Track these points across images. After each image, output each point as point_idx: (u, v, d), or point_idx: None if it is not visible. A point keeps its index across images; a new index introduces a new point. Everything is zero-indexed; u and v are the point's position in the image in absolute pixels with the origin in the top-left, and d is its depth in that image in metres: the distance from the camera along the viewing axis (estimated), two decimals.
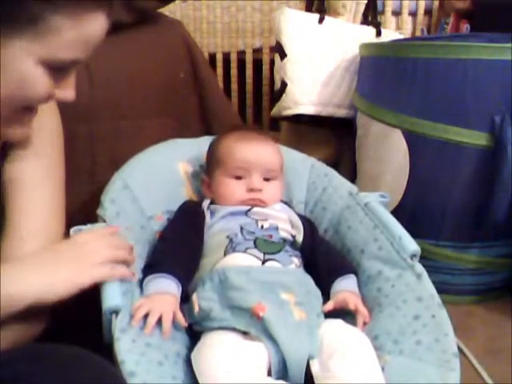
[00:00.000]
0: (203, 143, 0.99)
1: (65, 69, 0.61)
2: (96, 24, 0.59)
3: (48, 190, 0.71)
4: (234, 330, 0.67)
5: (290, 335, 0.66)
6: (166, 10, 1.31)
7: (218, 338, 0.66)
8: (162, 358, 0.63)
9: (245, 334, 0.67)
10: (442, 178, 1.18)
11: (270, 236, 0.81)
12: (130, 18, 1.05)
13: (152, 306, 0.66)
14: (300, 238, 0.85)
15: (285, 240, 0.83)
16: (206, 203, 0.88)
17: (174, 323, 0.68)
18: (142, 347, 0.62)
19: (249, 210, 0.85)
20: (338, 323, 0.72)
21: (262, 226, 0.82)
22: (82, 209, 0.94)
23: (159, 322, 0.65)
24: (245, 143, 0.89)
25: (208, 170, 0.94)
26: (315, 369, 0.65)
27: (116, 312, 0.64)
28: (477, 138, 1.11)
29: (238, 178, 0.87)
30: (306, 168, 1.04)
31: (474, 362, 1.04)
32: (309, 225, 0.90)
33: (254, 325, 0.67)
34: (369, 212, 0.88)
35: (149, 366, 0.60)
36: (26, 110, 0.63)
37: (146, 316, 0.65)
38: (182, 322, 0.69)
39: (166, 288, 0.70)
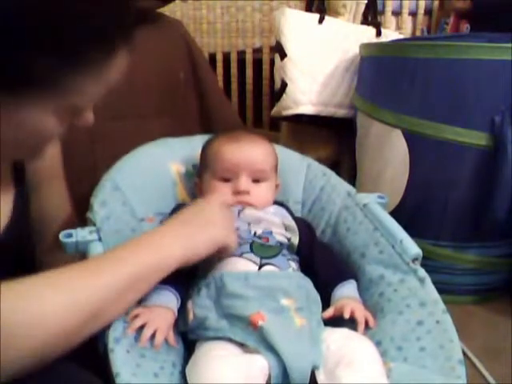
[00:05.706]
0: (195, 142, 0.97)
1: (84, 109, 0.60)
2: (118, 66, 0.57)
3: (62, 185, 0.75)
4: (230, 340, 0.64)
5: (292, 344, 0.62)
6: (166, 10, 1.31)
7: (213, 351, 0.63)
8: (158, 369, 0.61)
9: (242, 345, 0.64)
10: (442, 178, 1.18)
11: (267, 239, 0.79)
12: None
13: (149, 319, 0.63)
14: (296, 241, 0.83)
15: (281, 244, 0.80)
16: None
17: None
18: (136, 358, 0.60)
19: (241, 210, 0.82)
20: (343, 332, 0.69)
21: (255, 233, 0.79)
22: (82, 209, 0.93)
23: (154, 334, 0.63)
24: (232, 144, 0.86)
25: (199, 173, 0.92)
26: (321, 378, 0.61)
27: None
28: (477, 138, 1.11)
29: (226, 180, 0.85)
30: (302, 167, 1.01)
31: (475, 362, 1.04)
32: (306, 227, 0.88)
33: (252, 335, 0.64)
34: (368, 213, 0.86)
35: (145, 378, 0.59)
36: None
37: (141, 327, 0.63)
38: (173, 343, 0.66)
39: (165, 302, 0.67)
